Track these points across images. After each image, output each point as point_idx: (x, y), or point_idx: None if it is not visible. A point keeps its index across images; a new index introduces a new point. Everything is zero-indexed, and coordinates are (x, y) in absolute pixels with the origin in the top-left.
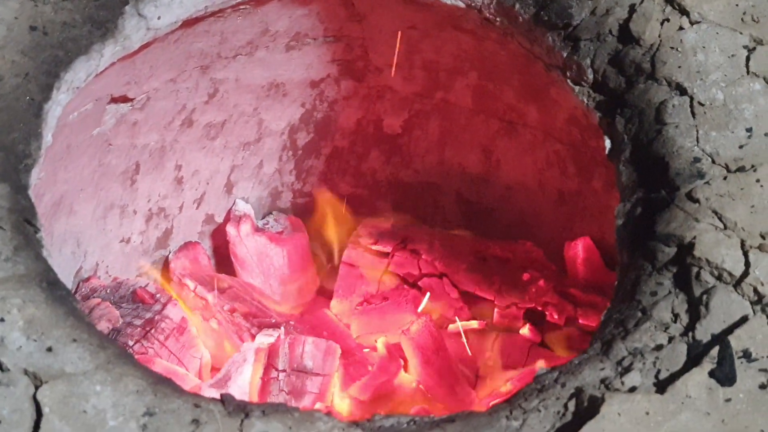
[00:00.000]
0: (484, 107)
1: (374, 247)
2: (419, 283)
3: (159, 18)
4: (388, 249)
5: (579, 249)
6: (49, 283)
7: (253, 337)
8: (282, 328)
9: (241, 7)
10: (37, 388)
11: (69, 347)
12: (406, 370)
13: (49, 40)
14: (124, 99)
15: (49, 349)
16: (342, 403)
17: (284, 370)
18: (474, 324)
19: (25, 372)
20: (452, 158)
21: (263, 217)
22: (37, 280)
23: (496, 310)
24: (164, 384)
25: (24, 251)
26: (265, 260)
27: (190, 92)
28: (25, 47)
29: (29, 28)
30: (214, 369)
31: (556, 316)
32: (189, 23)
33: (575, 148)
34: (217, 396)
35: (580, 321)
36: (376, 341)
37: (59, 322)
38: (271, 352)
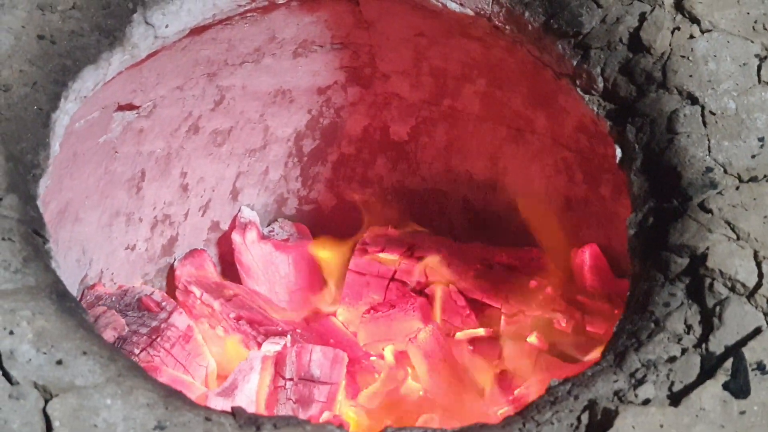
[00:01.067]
0: (492, 114)
1: (381, 255)
2: (426, 290)
3: (167, 26)
4: (394, 256)
5: (586, 256)
6: (59, 294)
7: (260, 345)
8: (288, 336)
9: (249, 14)
10: (47, 401)
11: (79, 360)
12: (413, 379)
13: (57, 49)
14: (131, 107)
15: (59, 362)
16: (349, 411)
17: (291, 379)
18: (481, 332)
19: (35, 385)
20: (459, 165)
21: (269, 224)
22: (46, 291)
23: (503, 317)
24: (175, 397)
25: (33, 263)
26: (270, 268)
27: (196, 99)
28: (33, 56)
29: (37, 37)
30: (221, 377)
31: (563, 324)
32: (196, 31)
33: (583, 156)
34: (225, 405)
35: (588, 328)
36: (383, 349)
37: (69, 334)
38: (278, 361)
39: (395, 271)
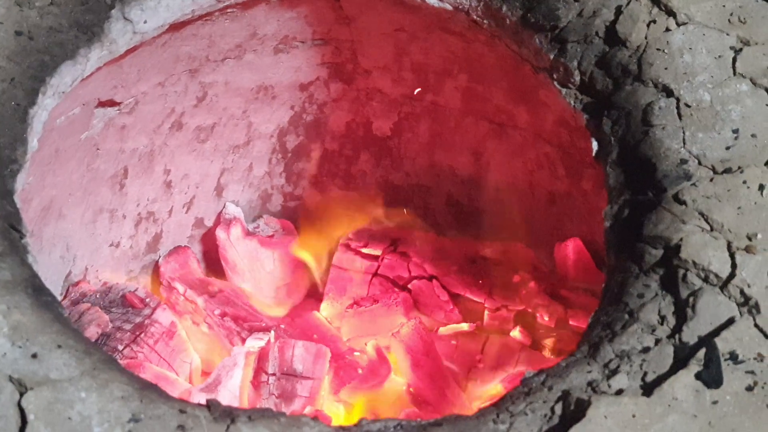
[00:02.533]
0: (474, 109)
1: (364, 250)
2: (409, 285)
3: (145, 22)
4: (378, 252)
5: (569, 250)
6: (35, 288)
7: (244, 340)
8: (272, 331)
9: (229, 10)
10: (21, 394)
11: (54, 353)
12: (396, 373)
13: (34, 45)
14: (112, 103)
15: (34, 356)
16: (332, 406)
17: (274, 374)
18: (464, 326)
19: (10, 379)
20: (442, 160)
21: (253, 221)
22: (22, 285)
23: (486, 312)
24: (150, 390)
25: (9, 257)
26: (255, 264)
27: (178, 96)
28: (11, 52)
29: (15, 33)
30: (205, 373)
31: (546, 318)
32: (176, 27)
33: (564, 150)
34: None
35: (571, 322)
36: (366, 344)
37: (45, 328)
38: (261, 356)
39: (378, 266)
